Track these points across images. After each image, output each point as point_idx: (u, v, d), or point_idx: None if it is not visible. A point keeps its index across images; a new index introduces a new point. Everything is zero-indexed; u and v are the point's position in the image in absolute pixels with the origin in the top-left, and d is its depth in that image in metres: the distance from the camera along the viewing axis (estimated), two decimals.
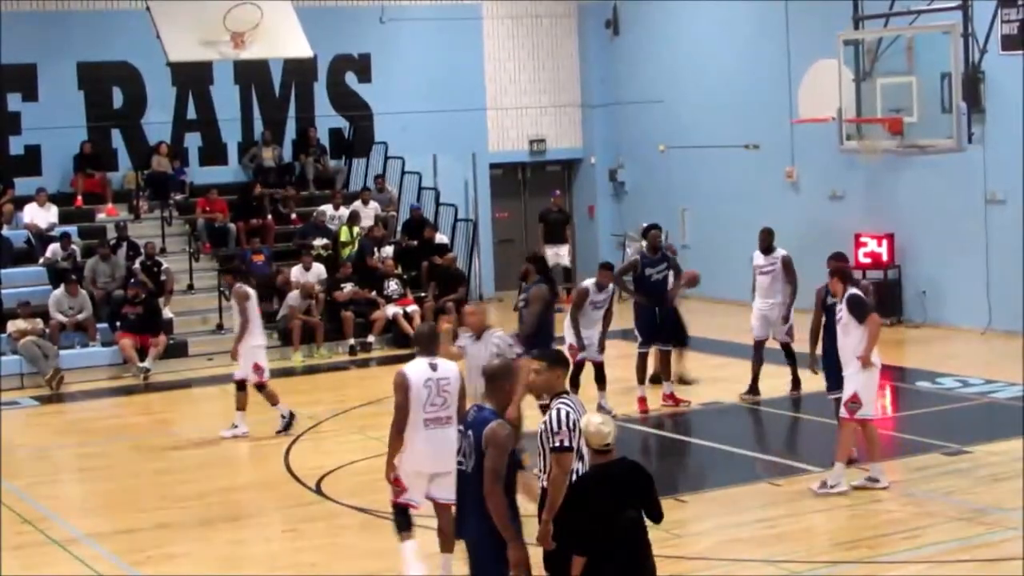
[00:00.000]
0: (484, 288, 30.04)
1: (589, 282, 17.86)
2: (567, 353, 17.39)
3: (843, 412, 14.20)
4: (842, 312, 14.20)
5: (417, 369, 11.32)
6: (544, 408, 9.65)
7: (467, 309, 14.10)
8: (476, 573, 9.04)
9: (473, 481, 8.83)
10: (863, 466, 14.55)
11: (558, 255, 29.13)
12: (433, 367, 11.31)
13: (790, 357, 18.98)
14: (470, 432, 8.90)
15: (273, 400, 18.05)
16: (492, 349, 13.05)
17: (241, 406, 18.07)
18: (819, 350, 15.50)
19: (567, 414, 8.98)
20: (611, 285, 17.84)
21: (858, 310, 14.02)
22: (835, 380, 14.79)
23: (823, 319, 15.17)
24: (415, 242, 27.19)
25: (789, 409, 18.40)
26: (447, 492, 11.39)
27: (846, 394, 14.19)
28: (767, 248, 19.15)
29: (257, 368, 17.93)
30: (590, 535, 8.36)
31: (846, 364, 14.23)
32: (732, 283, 24.16)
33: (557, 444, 8.94)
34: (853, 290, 14.27)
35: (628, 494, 8.39)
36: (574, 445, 8.94)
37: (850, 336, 14.14)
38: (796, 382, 18.98)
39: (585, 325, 17.70)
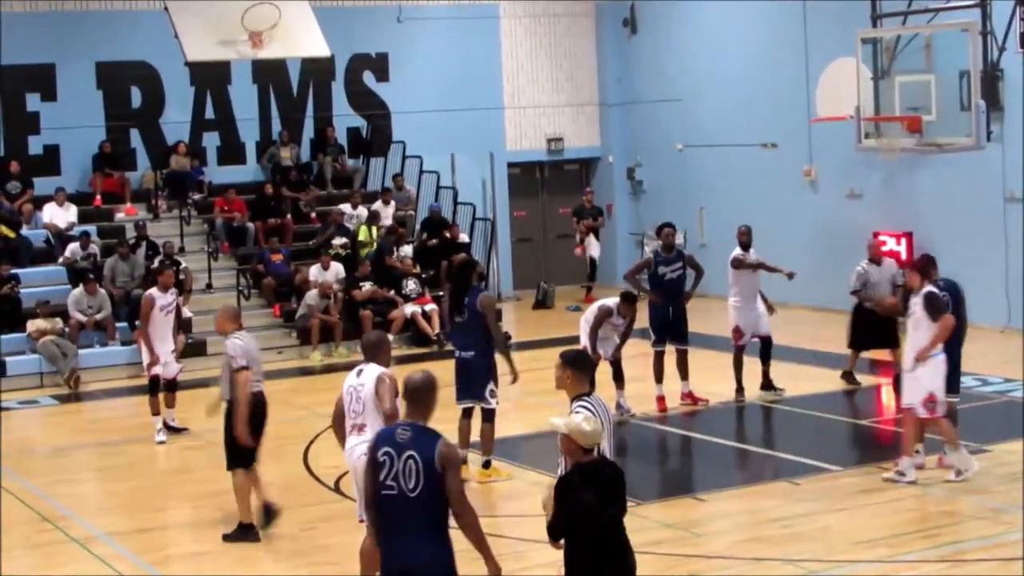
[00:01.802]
0: (502, 287, 30.04)
1: (613, 303, 17.61)
2: None
3: (922, 412, 14.24)
4: (916, 307, 14.34)
5: (348, 376, 11.53)
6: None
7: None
8: None
9: (421, 505, 8.25)
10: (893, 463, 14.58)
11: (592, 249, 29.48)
12: (358, 373, 11.44)
13: (768, 355, 18.99)
14: (414, 453, 8.24)
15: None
16: (228, 351, 13.26)
17: (171, 404, 18.51)
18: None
19: (584, 419, 8.97)
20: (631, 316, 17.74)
21: (932, 308, 14.20)
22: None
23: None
24: (436, 241, 27.20)
25: (808, 408, 18.37)
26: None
27: (922, 394, 14.25)
28: (749, 244, 19.10)
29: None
30: (573, 532, 8.37)
31: (913, 361, 14.33)
32: None
33: None
34: (930, 287, 14.39)
35: (610, 492, 8.39)
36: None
37: (920, 331, 14.29)
38: (769, 384, 19.00)
39: (602, 339, 17.63)
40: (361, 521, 11.60)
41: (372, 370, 11.39)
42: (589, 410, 8.91)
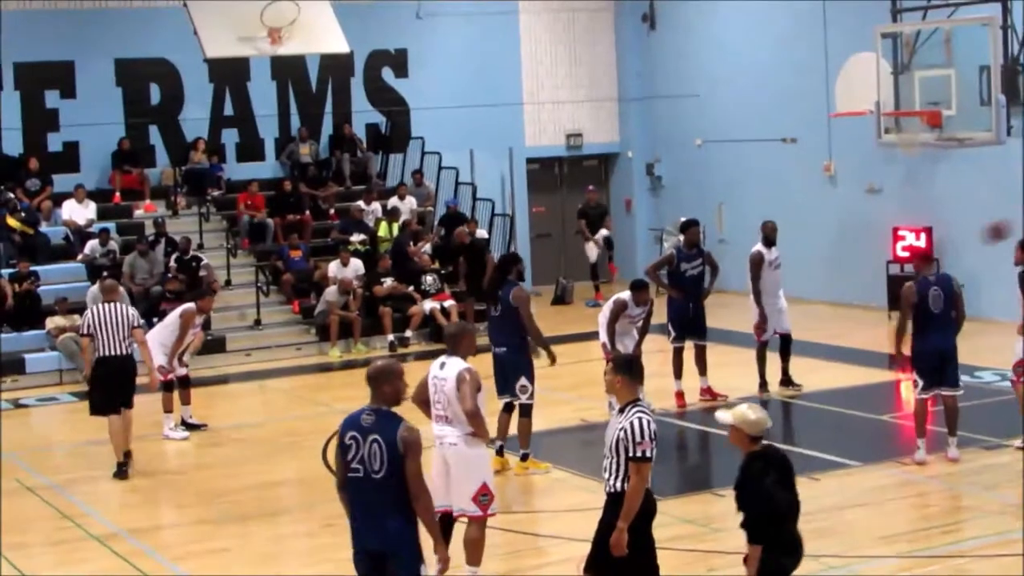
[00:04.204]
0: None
1: (627, 296, 17.29)
2: (601, 353, 17.36)
3: (1011, 375, 15.31)
4: None
5: (432, 366, 11.55)
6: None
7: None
8: None
9: (386, 489, 8.56)
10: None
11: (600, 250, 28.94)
12: (441, 366, 11.43)
13: (788, 351, 18.96)
14: (377, 437, 8.57)
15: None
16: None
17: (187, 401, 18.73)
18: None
19: (648, 423, 9.01)
20: (647, 304, 17.48)
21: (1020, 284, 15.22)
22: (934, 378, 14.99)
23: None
24: (455, 237, 27.13)
25: (827, 403, 18.32)
26: (461, 502, 11.33)
27: (1014, 359, 15.25)
28: (774, 241, 18.97)
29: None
30: (767, 521, 8.60)
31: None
32: None
33: (639, 454, 9.03)
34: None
35: (787, 477, 8.74)
36: (654, 456, 9.05)
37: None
38: (788, 379, 18.98)
39: (621, 334, 17.45)
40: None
41: (454, 365, 11.34)
42: (648, 416, 9.07)
